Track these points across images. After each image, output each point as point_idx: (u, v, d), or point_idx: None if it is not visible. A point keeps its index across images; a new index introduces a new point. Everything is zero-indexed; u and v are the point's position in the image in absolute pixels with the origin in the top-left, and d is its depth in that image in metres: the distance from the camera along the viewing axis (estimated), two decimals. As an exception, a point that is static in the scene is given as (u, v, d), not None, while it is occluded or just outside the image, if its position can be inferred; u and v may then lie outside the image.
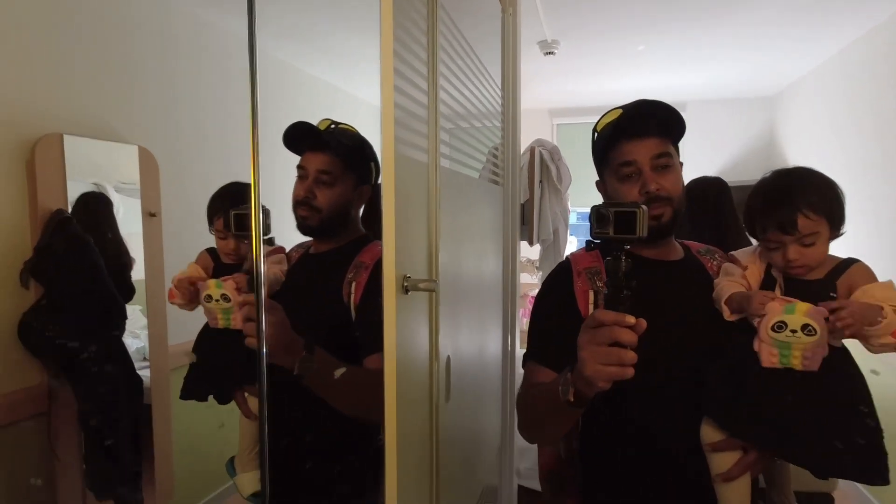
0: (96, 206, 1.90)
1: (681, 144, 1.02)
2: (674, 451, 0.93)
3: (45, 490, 1.73)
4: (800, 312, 0.81)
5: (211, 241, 1.39)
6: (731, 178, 4.38)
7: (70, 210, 1.77)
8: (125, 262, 1.99)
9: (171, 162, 2.23)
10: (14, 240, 1.67)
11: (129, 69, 2.09)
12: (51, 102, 1.80)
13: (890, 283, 0.85)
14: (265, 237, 1.30)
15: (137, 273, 2.10)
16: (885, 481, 0.81)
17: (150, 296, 2.15)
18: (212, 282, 1.08)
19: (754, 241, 1.02)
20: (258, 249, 0.88)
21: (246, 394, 1.22)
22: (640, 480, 0.94)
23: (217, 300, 1.07)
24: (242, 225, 1.04)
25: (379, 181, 1.21)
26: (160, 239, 2.16)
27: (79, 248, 1.73)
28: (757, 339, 0.85)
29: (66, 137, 1.79)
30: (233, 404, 1.27)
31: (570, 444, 1.10)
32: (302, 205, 1.15)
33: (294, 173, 1.19)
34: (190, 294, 1.20)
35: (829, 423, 0.82)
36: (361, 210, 1.26)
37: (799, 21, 2.58)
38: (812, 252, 0.89)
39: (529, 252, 3.52)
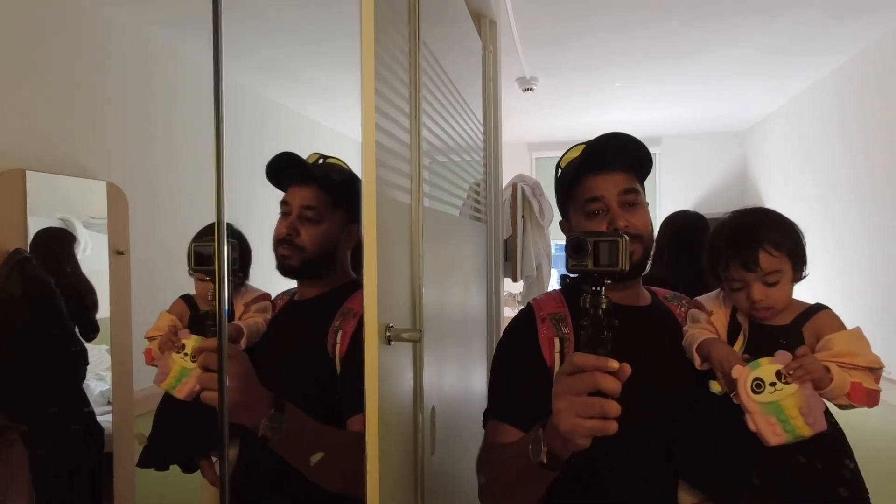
0: (56, 242, 1.81)
1: (657, 178, 0.98)
2: None
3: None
4: (765, 364, 0.78)
5: (180, 281, 1.30)
6: (705, 211, 4.46)
7: (28, 246, 1.68)
8: (88, 300, 1.89)
9: (141, 199, 2.16)
10: (-33, 281, 1.57)
11: (99, 104, 2.04)
12: (14, 138, 1.72)
13: (856, 331, 0.83)
14: (237, 275, 1.21)
15: (103, 311, 1.99)
16: None
17: (114, 335, 2.04)
18: (193, 337, 0.97)
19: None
20: (221, 289, 0.77)
21: (214, 458, 1.08)
22: None
23: (186, 354, 0.96)
24: (205, 260, 0.92)
25: None
26: (128, 277, 2.07)
27: (38, 290, 1.63)
28: (748, 416, 0.79)
29: (29, 174, 1.71)
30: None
31: None
32: (284, 243, 1.04)
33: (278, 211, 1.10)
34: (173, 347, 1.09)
35: (815, 482, 0.78)
36: (350, 252, 1.15)
37: (770, 59, 2.68)
38: (776, 292, 0.86)
39: (513, 287, 3.48)
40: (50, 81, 1.86)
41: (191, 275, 1.18)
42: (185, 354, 0.95)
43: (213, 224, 1.19)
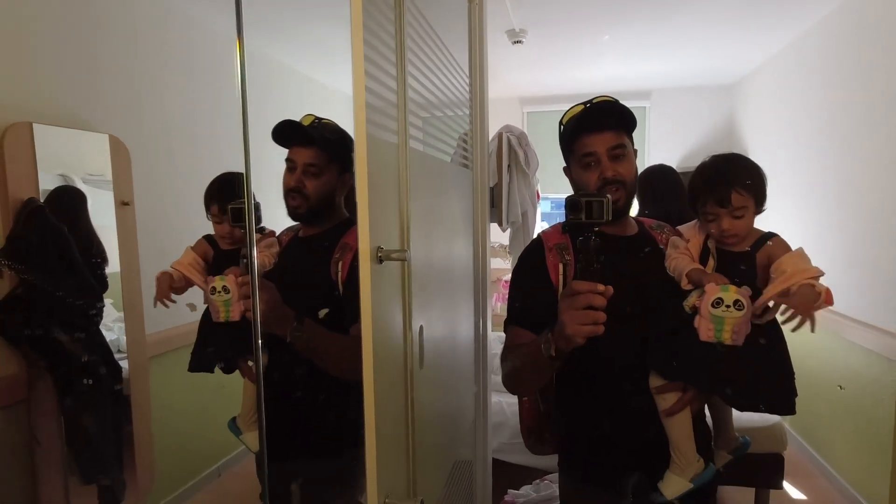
0: (69, 199, 1.90)
1: (644, 132, 1.22)
2: (631, 394, 1.14)
3: (26, 476, 1.75)
4: (732, 290, 1.00)
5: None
6: (693, 164, 4.53)
7: (43, 201, 1.77)
8: (98, 256, 2.00)
9: (142, 152, 2.23)
10: (-15, 229, 1.67)
11: (98, 58, 2.08)
12: (19, 92, 1.79)
13: (799, 251, 1.05)
14: (257, 227, 1.40)
15: (112, 266, 2.10)
16: (791, 412, 1.04)
17: (125, 287, 2.15)
18: (217, 278, 1.19)
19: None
20: (252, 239, 1.02)
21: (249, 362, 1.35)
22: (606, 419, 1.16)
23: (219, 292, 1.18)
24: (238, 217, 1.19)
25: None
26: (134, 229, 2.17)
27: (52, 236, 1.74)
28: (698, 316, 1.03)
29: (35, 126, 1.79)
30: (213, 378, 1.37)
31: (547, 399, 1.31)
32: (293, 193, 1.28)
33: (279, 164, 1.32)
34: (181, 289, 1.32)
35: (753, 369, 1.03)
36: (345, 196, 1.39)
37: (756, 11, 2.71)
38: (741, 224, 1.08)
39: (501, 238, 3.60)
40: (49, 35, 1.91)
41: (208, 218, 1.40)
42: (219, 291, 1.19)
43: (224, 174, 1.35)
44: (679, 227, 1.24)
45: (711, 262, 1.11)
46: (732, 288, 1.01)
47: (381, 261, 0.84)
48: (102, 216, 2.07)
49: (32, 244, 1.69)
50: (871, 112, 2.49)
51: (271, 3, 2.40)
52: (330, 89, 3.62)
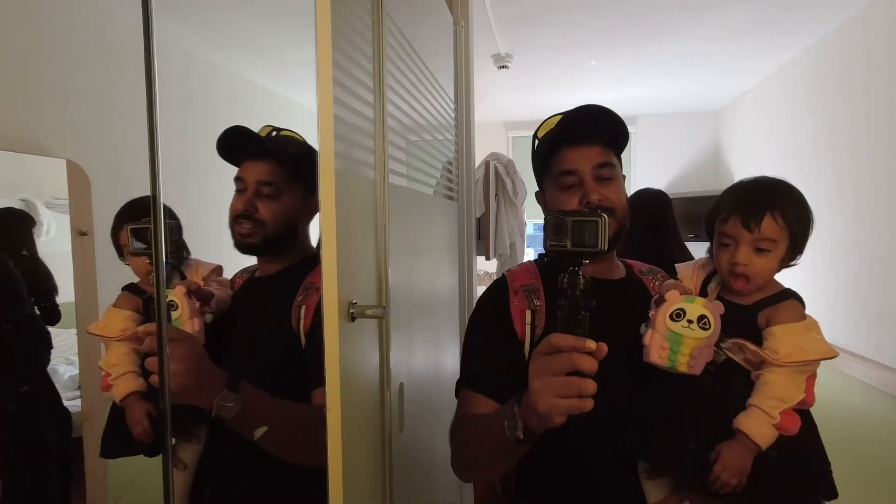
0: (11, 223, 1.74)
1: (629, 157, 0.96)
2: (613, 481, 0.88)
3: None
4: (698, 303, 0.80)
5: None
6: (678, 190, 4.48)
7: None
8: (46, 285, 1.84)
9: (104, 178, 2.09)
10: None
11: (57, 80, 1.95)
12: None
13: (805, 324, 0.84)
14: (179, 256, 1.13)
15: (67, 295, 1.94)
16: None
17: (80, 318, 1.99)
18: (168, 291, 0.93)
19: (695, 257, 0.99)
20: (160, 267, 0.73)
21: (184, 442, 1.04)
22: None
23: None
24: (143, 239, 0.92)
25: None
26: (92, 258, 2.01)
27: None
28: (650, 330, 0.81)
29: (-15, 151, 1.64)
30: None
31: (506, 485, 1.00)
32: (242, 219, 1.01)
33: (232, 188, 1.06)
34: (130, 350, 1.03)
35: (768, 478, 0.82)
36: (311, 225, 1.13)
37: (741, 39, 2.69)
38: (760, 262, 0.85)
39: (488, 265, 3.50)
40: (5, 58, 1.78)
41: (123, 261, 1.12)
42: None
43: (135, 201, 1.09)
44: (677, 266, 0.98)
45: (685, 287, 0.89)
46: (700, 300, 0.80)
47: (353, 318, 0.71)
48: (62, 243, 1.92)
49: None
50: (856, 138, 2.46)
51: (230, 13, 2.29)
52: (298, 104, 3.47)
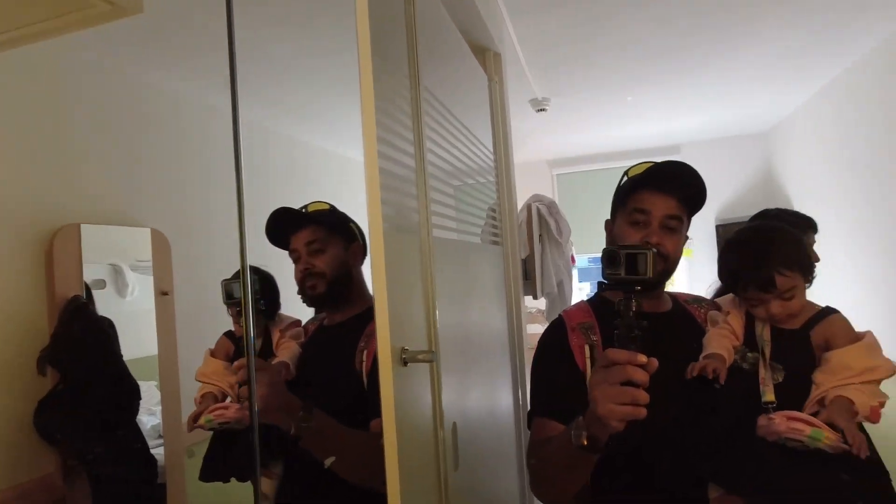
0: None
1: None
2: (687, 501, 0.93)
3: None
4: (820, 435, 0.82)
5: (221, 318, 1.42)
6: (730, 216, 4.32)
7: (84, 293, 1.83)
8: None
9: (183, 243, 2.31)
10: (32, 328, 1.72)
11: (139, 158, 2.21)
12: (68, 194, 1.89)
13: (866, 343, 0.89)
14: (273, 311, 1.35)
15: (150, 349, 2.13)
16: None
17: (163, 372, 2.17)
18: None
19: None
20: (247, 316, 0.94)
21: (263, 477, 1.20)
22: None
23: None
24: (232, 295, 1.15)
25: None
26: (173, 316, 2.21)
27: (95, 330, 1.77)
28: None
29: (83, 226, 1.88)
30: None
31: None
32: (306, 278, 1.21)
33: None
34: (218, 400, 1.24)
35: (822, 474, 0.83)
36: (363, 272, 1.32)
37: (783, 59, 2.66)
38: (793, 304, 0.94)
39: (537, 303, 3.51)
40: (95, 142, 2.04)
41: (228, 313, 1.33)
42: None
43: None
44: (718, 300, 1.09)
45: (768, 350, 0.94)
46: (821, 434, 0.81)
47: (405, 363, 0.79)
48: (145, 301, 2.12)
49: (76, 340, 1.72)
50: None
51: (297, 91, 2.52)
52: (352, 160, 3.68)
